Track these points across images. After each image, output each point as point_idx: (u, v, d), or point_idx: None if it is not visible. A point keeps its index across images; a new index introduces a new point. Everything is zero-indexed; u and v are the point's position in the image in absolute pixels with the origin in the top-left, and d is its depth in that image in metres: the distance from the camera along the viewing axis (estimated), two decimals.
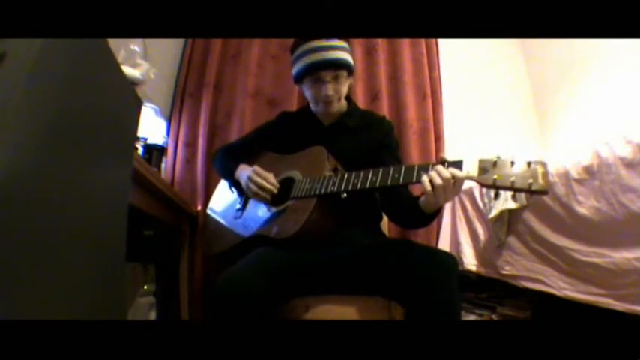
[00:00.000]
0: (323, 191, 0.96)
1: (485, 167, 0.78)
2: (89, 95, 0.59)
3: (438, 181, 0.80)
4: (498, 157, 0.77)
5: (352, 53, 1.13)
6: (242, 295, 0.82)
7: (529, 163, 0.74)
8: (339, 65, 1.08)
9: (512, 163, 0.75)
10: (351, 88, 1.18)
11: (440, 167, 0.82)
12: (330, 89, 1.08)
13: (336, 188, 0.94)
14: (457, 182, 0.80)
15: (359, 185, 0.91)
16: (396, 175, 0.87)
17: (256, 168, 1.09)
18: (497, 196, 0.79)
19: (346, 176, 0.94)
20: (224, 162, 1.23)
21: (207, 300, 0.84)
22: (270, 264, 0.91)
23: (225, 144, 1.50)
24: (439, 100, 1.87)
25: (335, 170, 1.02)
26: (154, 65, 1.40)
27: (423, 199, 0.91)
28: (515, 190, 0.74)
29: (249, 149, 1.26)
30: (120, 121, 0.75)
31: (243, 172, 1.12)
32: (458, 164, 0.82)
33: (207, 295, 0.83)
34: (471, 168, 0.80)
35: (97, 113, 0.63)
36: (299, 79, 1.14)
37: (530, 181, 0.72)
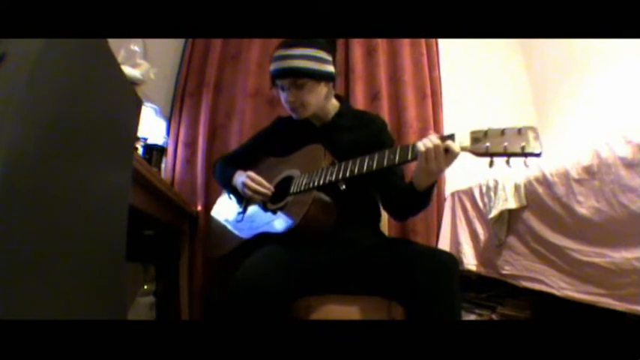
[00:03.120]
0: (321, 182, 0.96)
1: (477, 137, 0.79)
2: (89, 95, 0.59)
3: (429, 144, 0.81)
4: (489, 128, 0.78)
5: (323, 60, 1.09)
6: (264, 289, 0.82)
7: (519, 130, 0.75)
8: (295, 74, 1.06)
9: (503, 132, 0.76)
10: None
11: (432, 135, 0.83)
12: (290, 96, 1.09)
13: (334, 177, 0.94)
14: (450, 152, 0.81)
15: (356, 171, 0.91)
16: (392, 156, 0.87)
17: (250, 173, 1.12)
18: (491, 164, 0.79)
19: (343, 165, 0.94)
20: (222, 171, 1.25)
21: (227, 294, 0.84)
22: (284, 260, 0.91)
23: (226, 149, 1.51)
24: (439, 100, 1.87)
25: (332, 164, 1.03)
26: (154, 65, 1.40)
27: (414, 171, 0.90)
28: (508, 154, 0.75)
29: (247, 156, 1.28)
30: (120, 121, 0.75)
31: (239, 177, 1.14)
32: (450, 137, 0.83)
33: (227, 290, 0.83)
34: (463, 139, 0.81)
35: (97, 113, 0.63)
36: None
37: (523, 144, 0.73)
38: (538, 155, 0.73)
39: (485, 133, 0.78)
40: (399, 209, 1.09)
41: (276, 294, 0.82)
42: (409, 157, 0.85)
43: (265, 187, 1.08)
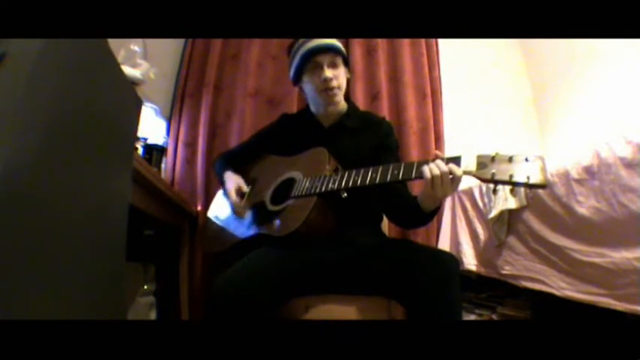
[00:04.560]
0: (323, 189, 0.96)
1: (484, 162, 0.78)
2: (89, 95, 0.59)
3: (436, 171, 0.80)
4: (497, 153, 0.77)
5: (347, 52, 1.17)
6: (240, 298, 0.82)
7: (527, 158, 0.74)
8: (334, 50, 1.10)
9: (511, 159, 0.76)
10: (348, 84, 1.19)
11: (439, 161, 0.82)
12: (328, 72, 1.09)
13: (336, 186, 0.94)
14: (455, 177, 0.80)
15: (359, 182, 0.91)
16: (396, 172, 0.87)
17: (221, 192, 1.15)
18: (495, 191, 0.79)
19: (346, 174, 0.94)
20: (220, 169, 1.26)
21: (206, 302, 0.85)
22: (270, 265, 0.91)
23: (225, 149, 1.52)
24: (439, 100, 1.87)
25: (336, 170, 1.02)
26: (154, 65, 1.40)
27: (420, 195, 0.91)
28: (513, 184, 0.74)
29: (249, 153, 1.28)
30: (120, 121, 0.75)
31: (228, 181, 1.18)
32: (456, 160, 0.82)
33: (206, 298, 0.84)
34: (469, 163, 0.80)
35: (97, 113, 0.63)
36: (298, 74, 1.15)
37: (529, 174, 0.72)
38: (544, 187, 0.73)
39: (493, 159, 0.77)
40: (402, 222, 1.12)
41: (254, 299, 0.82)
42: (413, 175, 0.84)
43: (239, 194, 1.13)
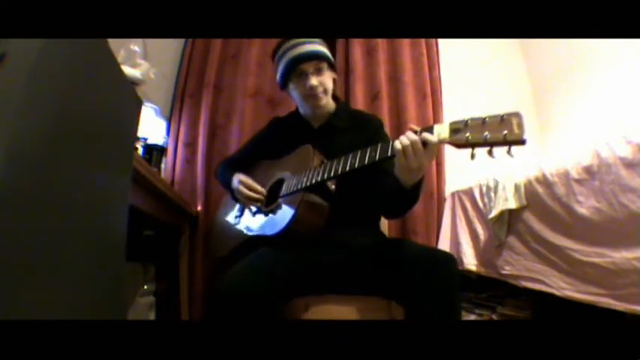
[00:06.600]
0: (308, 183, 0.97)
1: (457, 128, 0.75)
2: (89, 95, 0.59)
3: (406, 141, 0.79)
4: (470, 117, 0.75)
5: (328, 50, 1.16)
6: (245, 297, 0.82)
7: (502, 117, 0.71)
8: (318, 57, 1.10)
9: (484, 121, 0.72)
10: (335, 83, 1.19)
11: (409, 132, 0.81)
12: (313, 80, 1.09)
13: (319, 177, 0.94)
14: (428, 146, 0.78)
15: (340, 170, 0.91)
16: (373, 153, 0.86)
17: (242, 179, 1.14)
18: (473, 156, 0.74)
19: (328, 165, 0.95)
20: (224, 174, 1.27)
21: (210, 302, 0.84)
22: (271, 265, 0.91)
23: (225, 149, 1.51)
24: (439, 100, 1.87)
25: (321, 164, 1.03)
26: (154, 65, 1.40)
27: (395, 168, 0.87)
28: (490, 144, 0.71)
29: (246, 159, 1.29)
30: (120, 121, 0.75)
31: (235, 180, 1.17)
32: (429, 129, 0.80)
33: (210, 297, 0.83)
34: (442, 130, 0.78)
35: (97, 113, 0.63)
36: (284, 81, 1.16)
37: (505, 132, 0.69)
38: (522, 143, 0.69)
39: (466, 124, 0.74)
40: (388, 207, 1.05)
41: (258, 301, 0.82)
42: (389, 153, 0.83)
43: (257, 191, 1.10)
